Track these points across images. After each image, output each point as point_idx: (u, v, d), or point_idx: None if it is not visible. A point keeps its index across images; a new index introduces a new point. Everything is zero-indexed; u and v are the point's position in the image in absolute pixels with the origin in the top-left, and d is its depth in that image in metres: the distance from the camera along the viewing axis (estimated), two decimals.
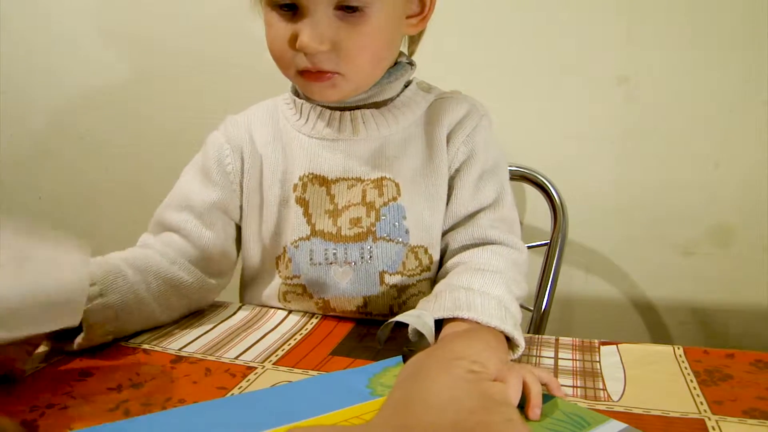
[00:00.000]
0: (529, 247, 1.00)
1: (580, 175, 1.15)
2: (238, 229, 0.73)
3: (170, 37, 1.34)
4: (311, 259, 0.67)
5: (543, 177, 1.00)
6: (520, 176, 1.00)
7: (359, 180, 0.67)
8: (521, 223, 1.17)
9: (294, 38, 0.60)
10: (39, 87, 1.47)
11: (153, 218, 0.71)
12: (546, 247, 0.99)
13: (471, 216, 0.68)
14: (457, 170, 0.68)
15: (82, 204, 1.51)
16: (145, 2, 1.34)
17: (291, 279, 0.69)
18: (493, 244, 0.67)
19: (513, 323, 0.56)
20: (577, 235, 1.15)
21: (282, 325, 0.67)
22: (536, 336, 0.65)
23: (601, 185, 1.16)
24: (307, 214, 0.67)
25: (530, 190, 1.02)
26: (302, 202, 0.68)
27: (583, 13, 1.10)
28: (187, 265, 0.68)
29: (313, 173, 0.68)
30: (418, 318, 0.56)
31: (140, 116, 1.41)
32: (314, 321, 0.69)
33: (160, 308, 0.65)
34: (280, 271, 0.71)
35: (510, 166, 0.99)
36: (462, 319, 0.55)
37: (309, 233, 0.67)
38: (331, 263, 0.67)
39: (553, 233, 0.98)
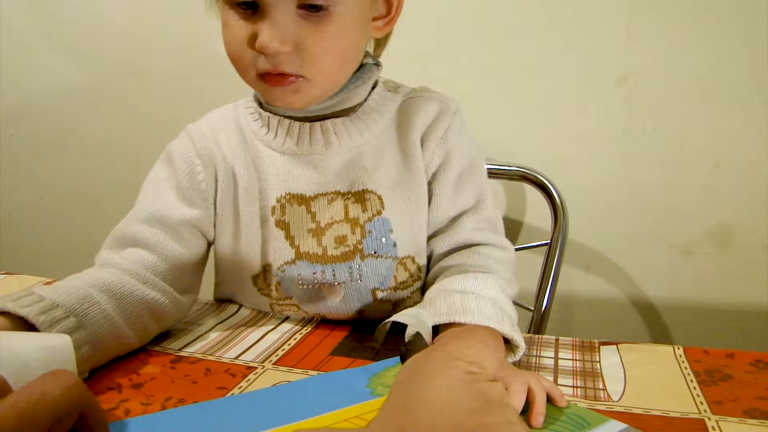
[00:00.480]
0: (529, 247, 1.01)
1: (580, 175, 1.15)
2: (209, 246, 0.69)
3: (170, 37, 1.34)
4: (300, 282, 0.65)
5: (543, 177, 1.00)
6: (520, 176, 1.00)
7: (338, 194, 0.64)
8: (521, 223, 1.18)
9: (253, 38, 0.56)
10: (39, 87, 1.47)
11: (112, 234, 0.65)
12: (546, 247, 0.99)
13: (453, 220, 0.67)
14: (435, 174, 0.66)
15: (82, 204, 1.52)
16: (146, 2, 1.34)
17: (283, 300, 0.68)
18: (479, 245, 0.66)
19: (510, 324, 0.56)
20: (577, 234, 1.15)
21: (282, 325, 0.67)
22: (536, 336, 0.64)
23: (601, 185, 1.16)
24: (289, 237, 0.65)
25: (530, 190, 1.02)
26: (282, 225, 0.65)
27: (583, 13, 1.10)
28: (158, 282, 0.62)
29: (290, 193, 0.64)
30: (416, 318, 0.56)
31: (140, 116, 1.41)
32: (314, 322, 0.69)
33: (135, 334, 0.58)
34: (260, 289, 0.69)
35: (510, 166, 1.00)
36: (459, 324, 0.55)
37: (294, 257, 0.65)
38: (320, 285, 0.65)
39: (553, 233, 0.98)
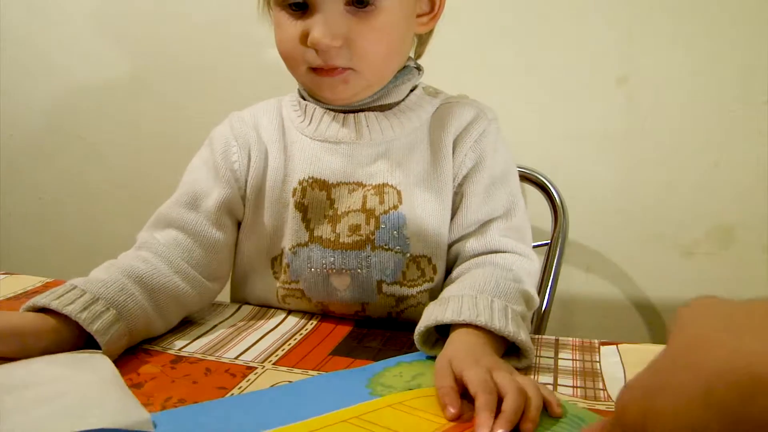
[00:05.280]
0: None
1: (580, 175, 1.15)
2: (238, 227, 0.72)
3: (170, 38, 1.34)
4: (309, 265, 0.66)
5: (543, 177, 1.00)
6: (520, 176, 1.00)
7: (360, 185, 0.66)
8: None
9: (305, 36, 0.60)
10: (39, 87, 1.47)
11: (156, 215, 0.69)
12: (546, 247, 0.99)
13: (482, 225, 0.67)
14: (465, 177, 0.67)
15: (82, 204, 1.51)
16: (146, 2, 1.34)
17: (289, 284, 0.68)
18: (505, 252, 0.66)
19: (525, 334, 0.56)
20: (577, 235, 1.15)
21: (282, 325, 0.67)
22: (536, 336, 0.64)
23: (601, 185, 1.16)
24: (305, 220, 0.66)
25: (530, 190, 1.02)
26: (301, 207, 0.67)
27: (584, 13, 1.10)
28: (190, 271, 0.65)
29: (313, 177, 0.66)
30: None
31: (140, 116, 1.41)
32: (314, 321, 0.69)
33: (162, 323, 0.62)
34: (275, 272, 0.70)
35: None
36: (475, 326, 0.55)
37: (307, 239, 0.66)
38: (328, 270, 0.66)
39: (553, 233, 0.98)
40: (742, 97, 1.07)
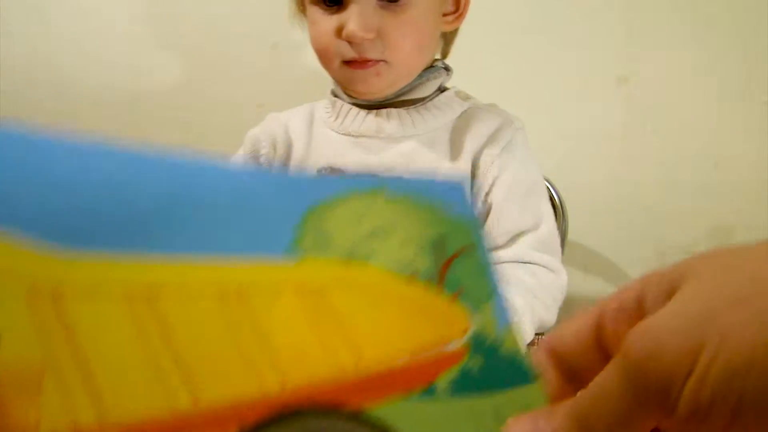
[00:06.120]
0: None
1: (580, 175, 1.15)
2: None
3: (172, 38, 1.34)
4: None
5: (543, 177, 0.99)
6: None
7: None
8: None
9: (340, 29, 0.64)
10: (39, 87, 1.47)
11: None
12: None
13: (512, 238, 0.67)
14: (492, 186, 0.68)
15: None
16: (147, 2, 1.34)
17: None
18: (531, 264, 0.66)
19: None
20: (576, 235, 1.15)
21: None
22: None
23: (601, 185, 1.16)
24: None
25: None
26: None
27: (583, 13, 1.10)
28: None
29: (331, 167, 0.69)
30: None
31: (141, 116, 1.41)
32: None
33: None
34: None
35: None
36: None
37: None
38: None
39: None
40: (742, 97, 1.07)
